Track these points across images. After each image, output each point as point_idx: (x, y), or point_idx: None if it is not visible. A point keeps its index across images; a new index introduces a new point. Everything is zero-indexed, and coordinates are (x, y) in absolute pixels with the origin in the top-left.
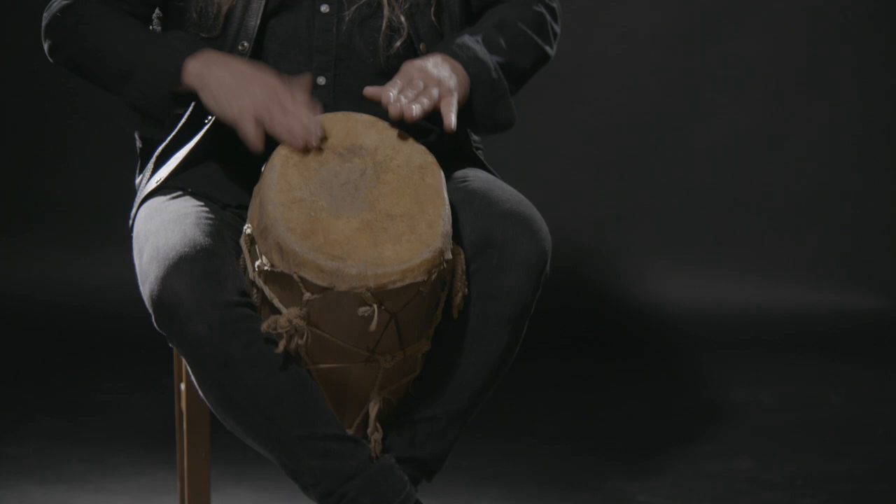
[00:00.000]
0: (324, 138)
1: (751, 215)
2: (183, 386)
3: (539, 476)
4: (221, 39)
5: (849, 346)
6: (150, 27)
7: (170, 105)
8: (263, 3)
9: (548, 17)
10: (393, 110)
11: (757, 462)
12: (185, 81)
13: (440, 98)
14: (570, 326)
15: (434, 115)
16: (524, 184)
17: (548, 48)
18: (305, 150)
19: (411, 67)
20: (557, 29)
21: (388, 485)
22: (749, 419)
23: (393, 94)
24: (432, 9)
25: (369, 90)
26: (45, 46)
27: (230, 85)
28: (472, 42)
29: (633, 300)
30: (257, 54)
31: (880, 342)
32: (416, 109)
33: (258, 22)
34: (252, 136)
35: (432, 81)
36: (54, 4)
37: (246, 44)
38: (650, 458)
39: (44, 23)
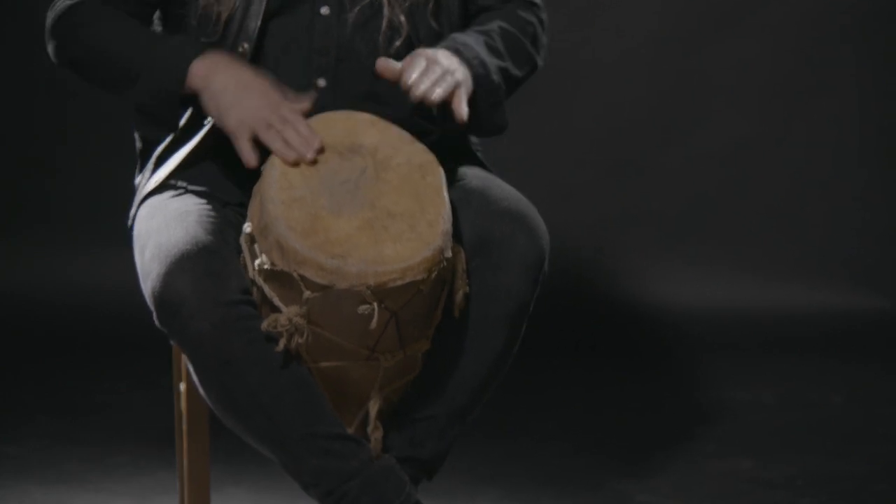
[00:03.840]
0: (322, 141)
1: (751, 216)
2: (183, 386)
3: (539, 476)
4: (221, 44)
5: (849, 347)
6: (152, 28)
7: (175, 107)
8: (264, 5)
9: (538, 27)
10: (416, 91)
11: (757, 462)
12: (189, 84)
13: (455, 85)
14: (570, 327)
15: (434, 115)
16: (524, 186)
17: (538, 59)
18: (300, 162)
19: (424, 54)
20: (545, 40)
21: (388, 485)
22: (749, 419)
23: (414, 76)
24: (430, 7)
25: (382, 63)
26: (49, 47)
27: (231, 94)
28: (474, 43)
29: (633, 301)
30: (257, 56)
31: (881, 342)
32: (438, 93)
33: (258, 24)
34: (246, 150)
35: (447, 71)
36: (58, 5)
37: (246, 45)
38: (650, 458)
39: (47, 23)
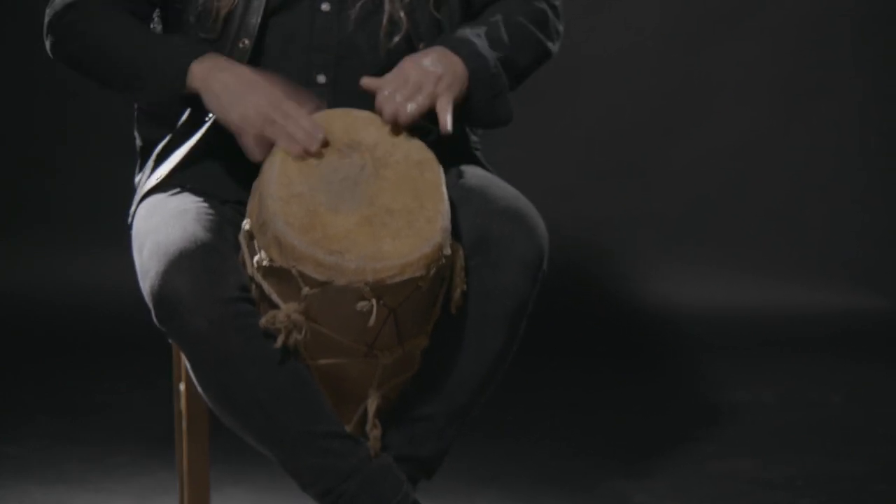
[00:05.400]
0: (325, 133)
1: (751, 218)
2: (182, 386)
3: (537, 476)
4: (221, 40)
5: (849, 347)
6: (152, 26)
7: (176, 106)
8: (265, 1)
9: (550, 13)
10: (388, 110)
11: (757, 462)
12: (189, 84)
13: (436, 97)
14: (570, 327)
15: (432, 115)
16: (524, 186)
17: (550, 44)
18: (305, 155)
19: (408, 64)
20: (560, 27)
21: (386, 484)
22: (749, 419)
23: (387, 92)
24: (431, 2)
25: (367, 81)
26: (48, 43)
27: (233, 91)
28: (472, 36)
29: (633, 301)
30: (257, 53)
31: (881, 342)
32: (410, 108)
33: (259, 20)
34: (250, 146)
35: (429, 79)
36: (57, 1)
37: (247, 41)
38: (649, 458)
39: (46, 19)
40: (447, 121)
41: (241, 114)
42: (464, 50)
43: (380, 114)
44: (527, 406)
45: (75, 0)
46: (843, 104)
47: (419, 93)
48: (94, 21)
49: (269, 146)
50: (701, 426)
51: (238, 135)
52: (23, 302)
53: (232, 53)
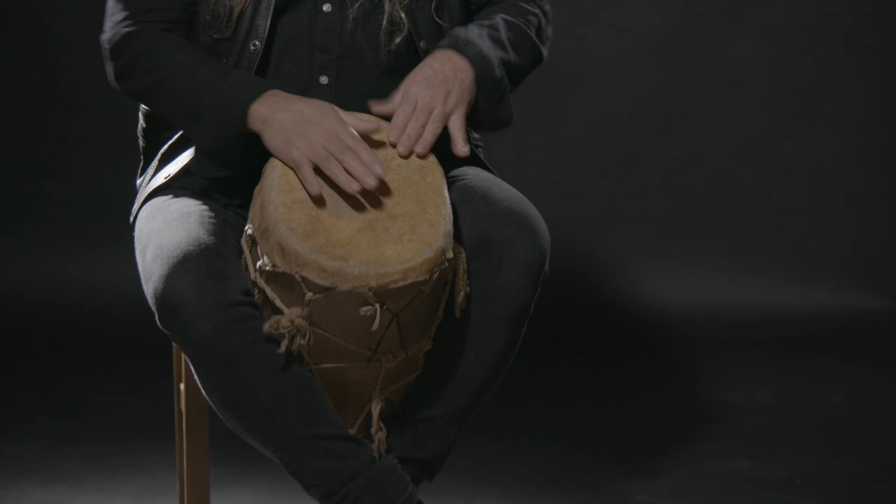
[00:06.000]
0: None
1: (751, 216)
2: (183, 386)
3: (538, 476)
4: (232, 40)
5: (849, 346)
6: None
7: (234, 149)
8: (273, 2)
9: (543, 19)
10: (402, 149)
11: (757, 462)
12: (249, 125)
13: (448, 116)
14: (570, 327)
15: None
16: (524, 184)
17: (543, 49)
18: (362, 190)
19: (414, 86)
20: (550, 32)
21: (390, 485)
22: (749, 419)
23: (400, 125)
24: (433, 4)
25: (375, 107)
26: (111, 72)
27: (291, 129)
28: (476, 38)
29: (632, 300)
30: (263, 53)
31: (880, 342)
32: (424, 141)
33: (269, 22)
34: (310, 181)
35: (438, 97)
36: (110, 28)
37: (257, 43)
38: (650, 458)
39: (107, 47)
40: (461, 142)
41: (300, 152)
42: (469, 51)
43: (393, 146)
44: (527, 406)
45: (135, 31)
46: (843, 103)
47: (430, 117)
48: (157, 55)
49: (326, 178)
50: (700, 426)
51: (297, 171)
52: (23, 302)
53: (243, 54)
